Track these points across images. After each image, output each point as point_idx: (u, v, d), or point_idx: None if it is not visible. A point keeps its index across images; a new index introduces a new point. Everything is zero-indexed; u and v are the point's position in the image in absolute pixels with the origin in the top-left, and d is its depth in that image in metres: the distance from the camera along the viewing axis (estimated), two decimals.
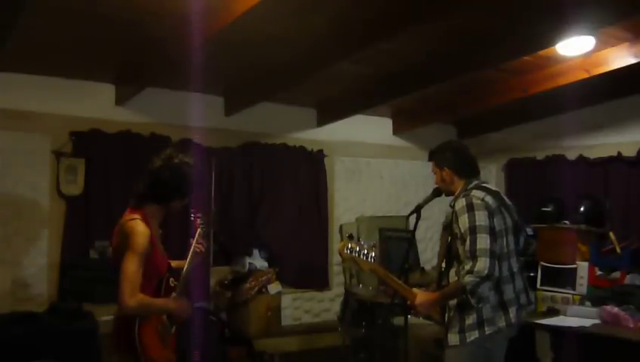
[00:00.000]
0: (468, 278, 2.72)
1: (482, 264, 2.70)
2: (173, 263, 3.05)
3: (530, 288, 3.12)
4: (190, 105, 5.18)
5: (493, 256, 2.73)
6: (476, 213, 2.79)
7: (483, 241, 2.74)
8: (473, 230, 2.77)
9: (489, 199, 2.85)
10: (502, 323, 2.80)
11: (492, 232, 2.78)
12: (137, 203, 2.73)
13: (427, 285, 3.21)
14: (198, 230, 3.08)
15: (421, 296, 2.96)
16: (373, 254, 3.12)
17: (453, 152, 3.12)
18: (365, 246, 3.15)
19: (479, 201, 2.82)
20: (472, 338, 2.78)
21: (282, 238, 5.64)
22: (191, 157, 2.87)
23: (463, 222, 2.81)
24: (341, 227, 6.04)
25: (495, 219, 2.82)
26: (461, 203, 2.86)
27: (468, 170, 3.08)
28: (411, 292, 3.02)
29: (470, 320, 2.80)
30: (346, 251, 3.11)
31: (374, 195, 6.32)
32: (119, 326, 2.68)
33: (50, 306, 4.37)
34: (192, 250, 2.99)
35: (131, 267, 2.54)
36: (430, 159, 3.21)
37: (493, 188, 3.00)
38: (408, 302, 3.03)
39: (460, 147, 3.21)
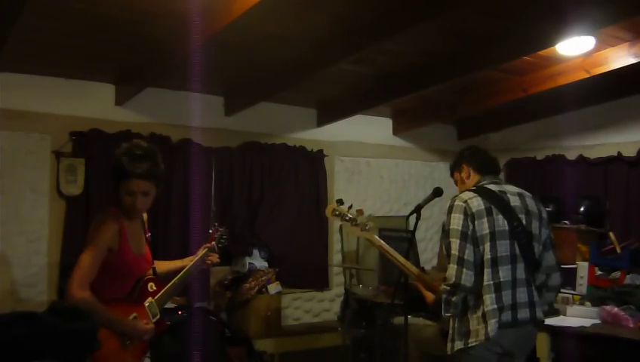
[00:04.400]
0: (442, 286, 2.68)
1: (450, 271, 2.63)
2: (174, 263, 3.02)
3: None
4: (190, 105, 5.18)
5: (461, 263, 2.61)
6: (452, 215, 2.71)
7: (454, 247, 2.65)
8: (447, 233, 2.71)
9: (475, 201, 2.72)
10: (482, 337, 2.63)
11: (464, 237, 2.65)
12: (113, 200, 2.74)
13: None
14: (213, 243, 3.06)
15: (425, 295, 2.96)
16: (368, 226, 3.07)
17: (469, 150, 3.09)
18: (355, 213, 3.11)
19: (460, 203, 2.73)
20: (457, 348, 2.71)
21: (282, 238, 5.63)
22: (128, 146, 2.73)
23: (446, 224, 2.77)
24: (341, 227, 6.02)
25: (477, 223, 2.67)
26: (447, 204, 2.81)
27: (485, 165, 3.00)
28: (414, 273, 3.00)
29: (458, 328, 2.73)
30: (333, 214, 3.09)
31: (374, 195, 6.33)
32: None
33: (50, 306, 4.36)
34: (198, 258, 2.96)
35: (86, 259, 2.53)
36: (452, 170, 3.14)
37: (497, 189, 2.83)
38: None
39: (477, 146, 3.19)
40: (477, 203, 2.71)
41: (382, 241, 3.05)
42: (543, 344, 3.95)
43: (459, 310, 2.68)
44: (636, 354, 3.58)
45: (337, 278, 5.97)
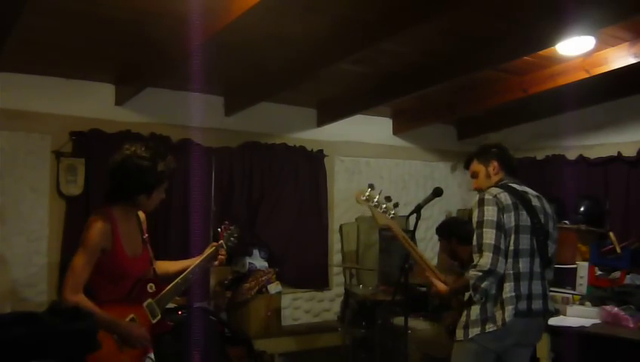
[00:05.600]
0: (471, 272, 2.75)
1: (485, 259, 2.72)
2: (179, 263, 2.98)
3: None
4: (190, 105, 5.19)
5: (497, 251, 2.73)
6: (485, 208, 2.81)
7: (488, 236, 2.75)
8: (480, 224, 2.80)
9: (503, 196, 2.85)
10: (499, 322, 2.75)
11: (499, 228, 2.77)
12: (106, 201, 2.66)
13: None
14: (221, 241, 3.01)
15: (437, 286, 3.03)
16: (393, 213, 3.09)
17: (498, 148, 3.15)
18: (385, 201, 3.10)
19: (490, 197, 2.84)
20: (474, 334, 2.78)
21: (282, 238, 5.64)
22: (148, 149, 2.67)
23: (474, 216, 2.85)
24: (341, 227, 6.04)
25: (505, 216, 2.80)
26: (475, 199, 2.90)
27: (511, 165, 3.12)
28: (430, 267, 3.07)
29: (474, 316, 2.80)
30: (362, 198, 3.10)
31: None
32: None
33: (50, 306, 4.35)
34: (203, 257, 2.90)
35: (78, 262, 2.48)
36: (471, 160, 3.17)
37: (519, 188, 2.98)
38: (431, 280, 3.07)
39: (502, 144, 3.22)
40: (505, 197, 2.85)
41: (403, 232, 3.12)
42: (543, 344, 3.94)
43: (484, 296, 2.78)
44: (636, 354, 3.58)
45: (337, 278, 5.97)
